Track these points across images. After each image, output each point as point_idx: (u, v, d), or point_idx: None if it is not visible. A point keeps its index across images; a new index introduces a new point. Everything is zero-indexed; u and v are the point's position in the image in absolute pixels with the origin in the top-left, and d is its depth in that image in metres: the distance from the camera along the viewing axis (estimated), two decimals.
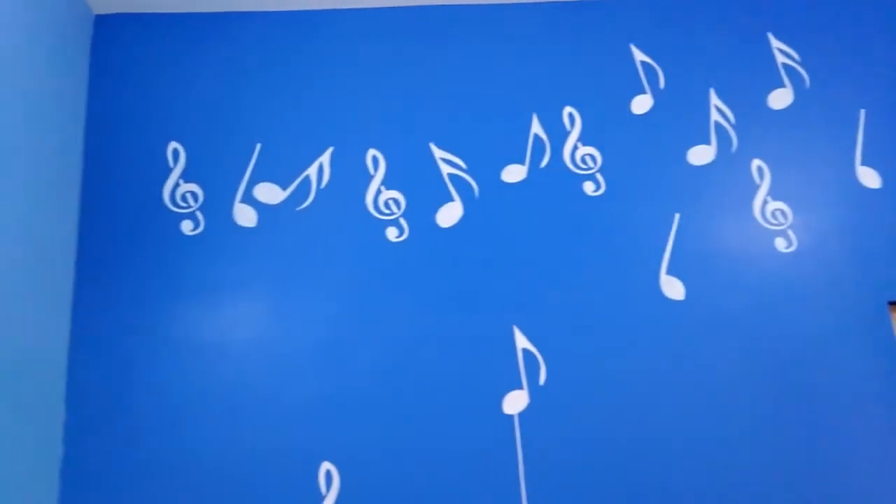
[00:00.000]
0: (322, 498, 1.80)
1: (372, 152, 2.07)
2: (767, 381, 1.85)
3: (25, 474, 1.70)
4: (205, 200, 2.04)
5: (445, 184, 2.04)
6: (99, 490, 1.81)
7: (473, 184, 2.04)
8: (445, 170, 2.06)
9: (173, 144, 2.08)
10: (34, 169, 1.83)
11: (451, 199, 2.03)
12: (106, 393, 1.88)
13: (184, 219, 2.02)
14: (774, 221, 1.99)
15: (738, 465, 1.79)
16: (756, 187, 2.01)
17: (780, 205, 2.00)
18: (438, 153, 2.07)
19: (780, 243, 1.97)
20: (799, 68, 2.11)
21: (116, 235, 2.00)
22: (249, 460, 1.83)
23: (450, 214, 2.02)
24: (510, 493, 1.80)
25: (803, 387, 1.84)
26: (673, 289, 1.94)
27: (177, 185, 2.05)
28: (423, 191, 2.04)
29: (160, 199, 2.04)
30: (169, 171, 2.06)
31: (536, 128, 2.08)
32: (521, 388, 1.88)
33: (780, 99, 2.08)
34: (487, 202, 2.03)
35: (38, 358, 1.78)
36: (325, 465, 1.82)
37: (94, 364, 1.90)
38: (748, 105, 2.07)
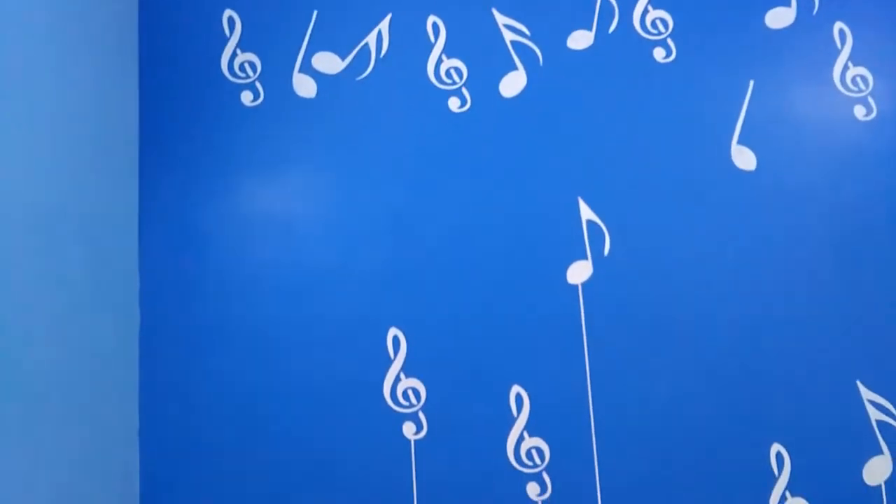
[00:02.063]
0: (390, 361, 1.85)
1: (432, 19, 2.00)
2: (841, 253, 1.82)
3: (107, 337, 1.78)
4: (263, 70, 2.00)
5: (509, 52, 1.98)
6: (176, 351, 1.89)
7: (538, 51, 1.97)
8: (508, 37, 1.98)
9: (228, 12, 2.03)
10: (91, 41, 1.81)
11: (515, 68, 1.97)
12: (176, 261, 1.93)
13: (243, 89, 2.00)
14: (854, 88, 1.90)
15: (808, 337, 1.79)
16: (837, 52, 1.91)
17: (862, 70, 1.90)
18: (501, 19, 1.99)
19: (858, 111, 1.89)
20: None
21: (178, 106, 1.99)
22: (318, 327, 1.88)
23: (513, 84, 1.96)
24: (574, 360, 1.83)
25: (880, 257, 1.81)
26: (744, 159, 1.88)
27: (234, 54, 2.02)
28: (486, 59, 1.98)
29: (219, 69, 2.01)
30: (225, 40, 2.02)
31: None
32: (585, 258, 1.88)
33: None
34: (552, 70, 1.96)
35: (110, 227, 1.82)
36: (393, 331, 1.87)
37: (163, 233, 1.94)
38: None
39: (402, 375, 1.85)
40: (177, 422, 1.86)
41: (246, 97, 1.99)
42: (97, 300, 1.74)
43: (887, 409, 1.75)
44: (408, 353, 1.86)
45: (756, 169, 1.88)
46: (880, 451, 1.74)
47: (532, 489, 1.78)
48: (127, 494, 1.82)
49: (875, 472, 1.73)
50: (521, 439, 1.81)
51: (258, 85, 2.00)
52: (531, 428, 1.81)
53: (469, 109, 1.96)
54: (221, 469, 1.84)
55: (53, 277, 1.59)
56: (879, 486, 1.73)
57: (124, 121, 1.95)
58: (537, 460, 1.79)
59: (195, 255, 1.93)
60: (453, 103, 1.97)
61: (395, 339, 1.87)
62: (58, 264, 1.61)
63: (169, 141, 1.98)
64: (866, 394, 1.76)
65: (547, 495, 1.77)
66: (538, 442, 1.80)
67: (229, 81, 2.00)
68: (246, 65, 2.01)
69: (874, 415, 1.75)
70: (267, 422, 1.86)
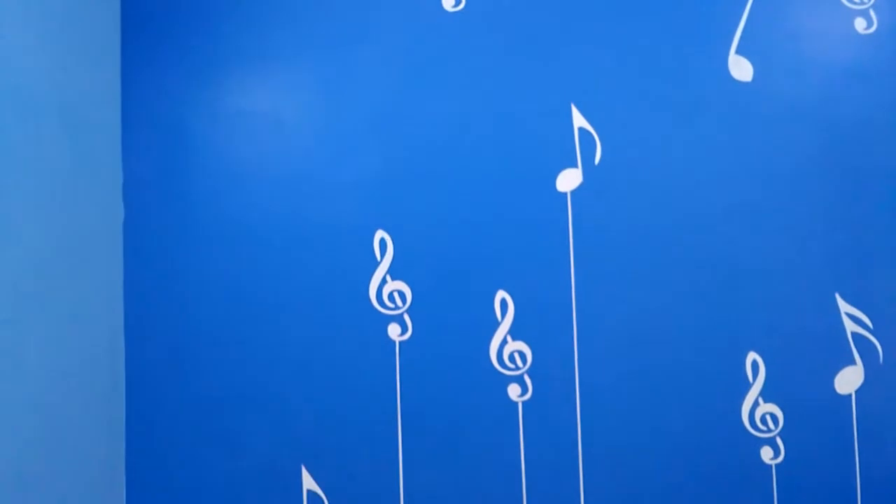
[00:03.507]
0: (377, 263, 1.86)
1: None
2: (830, 167, 1.81)
3: (91, 230, 1.76)
4: None
5: None
6: (161, 246, 1.87)
7: None
8: None
9: None
10: None
11: None
12: (160, 156, 1.89)
13: None
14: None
15: (792, 249, 1.81)
16: None
17: None
18: None
19: (859, 24, 1.85)
20: None
21: None
22: (306, 228, 1.88)
23: None
24: (560, 267, 1.84)
25: (869, 173, 1.81)
26: (741, 69, 1.85)
27: None
28: None
29: None
30: None
31: None
32: (575, 166, 1.86)
33: None
34: None
35: (93, 119, 1.78)
36: (380, 233, 1.86)
37: (147, 128, 1.90)
38: None
39: (389, 278, 1.86)
40: (161, 317, 1.87)
41: None
42: (80, 192, 1.71)
43: (863, 322, 1.79)
44: (394, 256, 1.86)
45: (752, 80, 1.85)
46: (853, 362, 1.78)
47: (513, 390, 1.82)
48: (112, 381, 1.84)
49: (847, 381, 1.78)
50: (504, 343, 1.83)
51: None
52: (515, 332, 1.84)
53: (463, 9, 1.90)
54: (207, 365, 1.86)
55: (36, 165, 1.56)
56: (850, 395, 1.78)
57: (105, 11, 1.87)
58: (519, 363, 1.83)
59: (179, 150, 1.89)
60: (447, 2, 1.91)
61: (382, 242, 1.86)
62: (40, 152, 1.58)
63: (151, 33, 1.91)
64: (844, 306, 1.80)
65: (527, 396, 1.82)
66: (521, 346, 1.83)
67: None
68: None
69: (850, 327, 1.79)
70: (253, 320, 1.87)
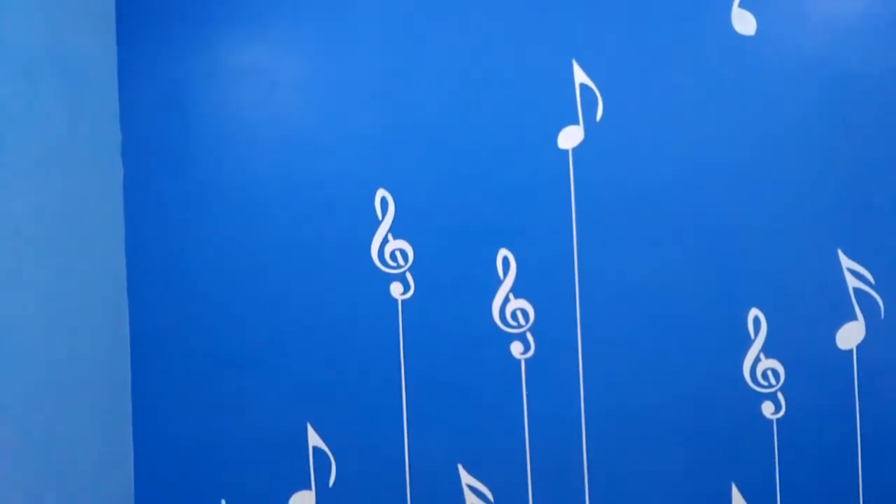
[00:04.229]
0: (378, 222, 1.85)
1: None
2: (834, 122, 1.80)
3: (90, 191, 1.75)
4: None
5: None
6: (161, 207, 1.87)
7: None
8: None
9: None
10: None
11: None
12: (159, 117, 1.88)
13: None
14: None
15: (794, 205, 1.80)
16: None
17: None
18: None
19: None
20: None
21: None
22: (306, 187, 1.87)
23: None
24: (562, 225, 1.84)
25: (873, 129, 1.79)
26: (744, 23, 1.83)
27: None
28: None
29: None
30: None
31: None
32: (577, 123, 1.85)
33: None
34: None
35: (89, 77, 1.76)
36: (381, 192, 1.86)
37: (144, 89, 1.88)
38: None
39: (390, 236, 1.85)
40: (163, 275, 1.87)
41: None
42: (79, 151, 1.70)
43: (865, 278, 1.79)
44: (396, 215, 1.85)
45: (756, 34, 1.83)
46: (854, 318, 1.79)
47: (516, 348, 1.83)
48: (116, 342, 1.84)
49: (848, 336, 1.79)
50: (506, 301, 1.84)
51: None
52: (517, 290, 1.84)
53: None
54: (211, 325, 1.87)
55: (34, 124, 1.55)
56: (851, 350, 1.79)
57: None
58: (522, 321, 1.83)
59: (177, 108, 1.88)
60: None
61: (384, 200, 1.86)
62: (38, 111, 1.56)
63: None
64: (846, 262, 1.79)
65: (530, 354, 1.82)
66: (523, 304, 1.84)
67: None
68: None
69: (852, 282, 1.79)
70: (255, 281, 1.87)
